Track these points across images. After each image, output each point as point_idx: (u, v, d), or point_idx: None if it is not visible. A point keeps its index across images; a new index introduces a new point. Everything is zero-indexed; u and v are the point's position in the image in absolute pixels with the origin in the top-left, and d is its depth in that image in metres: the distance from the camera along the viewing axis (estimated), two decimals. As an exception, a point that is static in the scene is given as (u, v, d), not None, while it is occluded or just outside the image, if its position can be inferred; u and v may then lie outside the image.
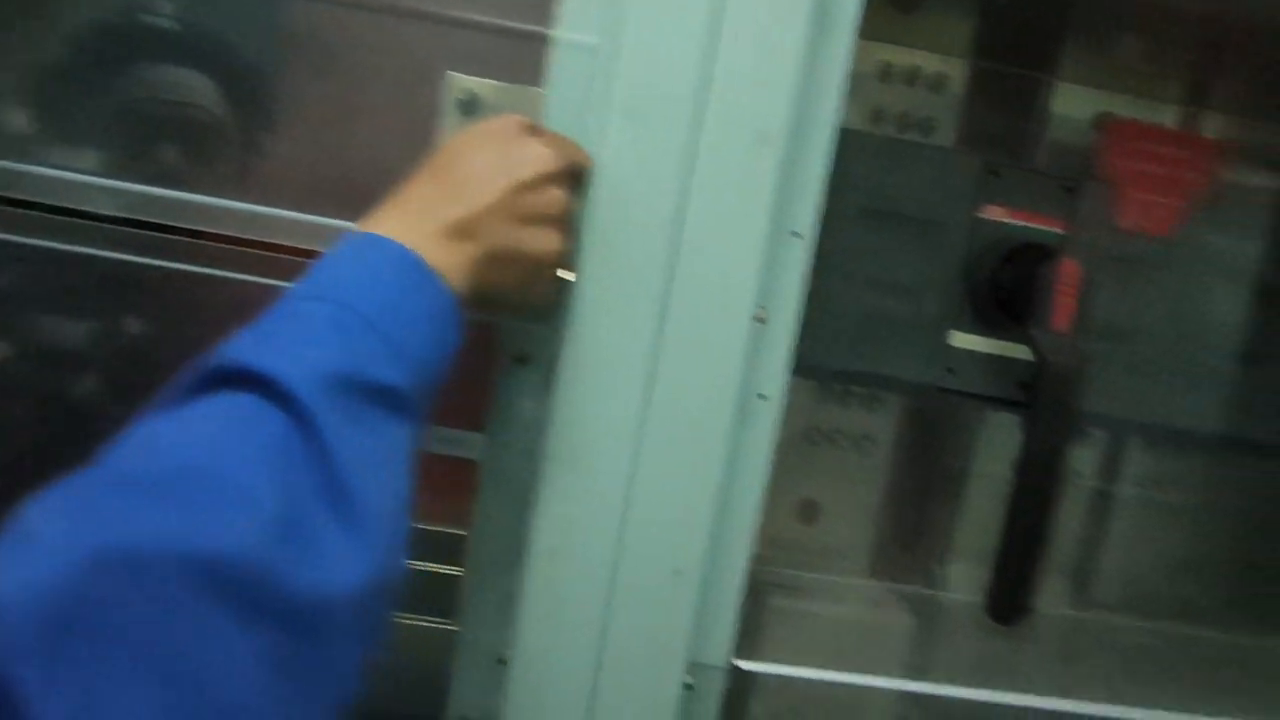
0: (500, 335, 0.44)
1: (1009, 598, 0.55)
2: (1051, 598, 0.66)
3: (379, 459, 0.30)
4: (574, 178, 0.38)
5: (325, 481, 0.28)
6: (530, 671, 0.42)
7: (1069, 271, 0.54)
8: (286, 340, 0.30)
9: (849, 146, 0.61)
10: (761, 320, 0.42)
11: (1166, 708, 0.56)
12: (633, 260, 0.40)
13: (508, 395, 0.44)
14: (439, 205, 0.35)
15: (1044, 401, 0.53)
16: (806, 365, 0.62)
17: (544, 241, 0.37)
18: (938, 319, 0.61)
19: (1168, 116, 0.65)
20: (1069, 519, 0.67)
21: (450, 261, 0.34)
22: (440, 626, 0.53)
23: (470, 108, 0.50)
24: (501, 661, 0.43)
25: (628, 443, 0.40)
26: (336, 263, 0.33)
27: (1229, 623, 0.70)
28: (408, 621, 0.56)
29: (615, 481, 0.41)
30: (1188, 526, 0.69)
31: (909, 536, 0.67)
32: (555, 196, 0.36)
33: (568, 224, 0.38)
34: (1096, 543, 0.68)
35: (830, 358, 0.61)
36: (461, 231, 0.35)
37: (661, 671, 0.42)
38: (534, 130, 0.38)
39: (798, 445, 0.65)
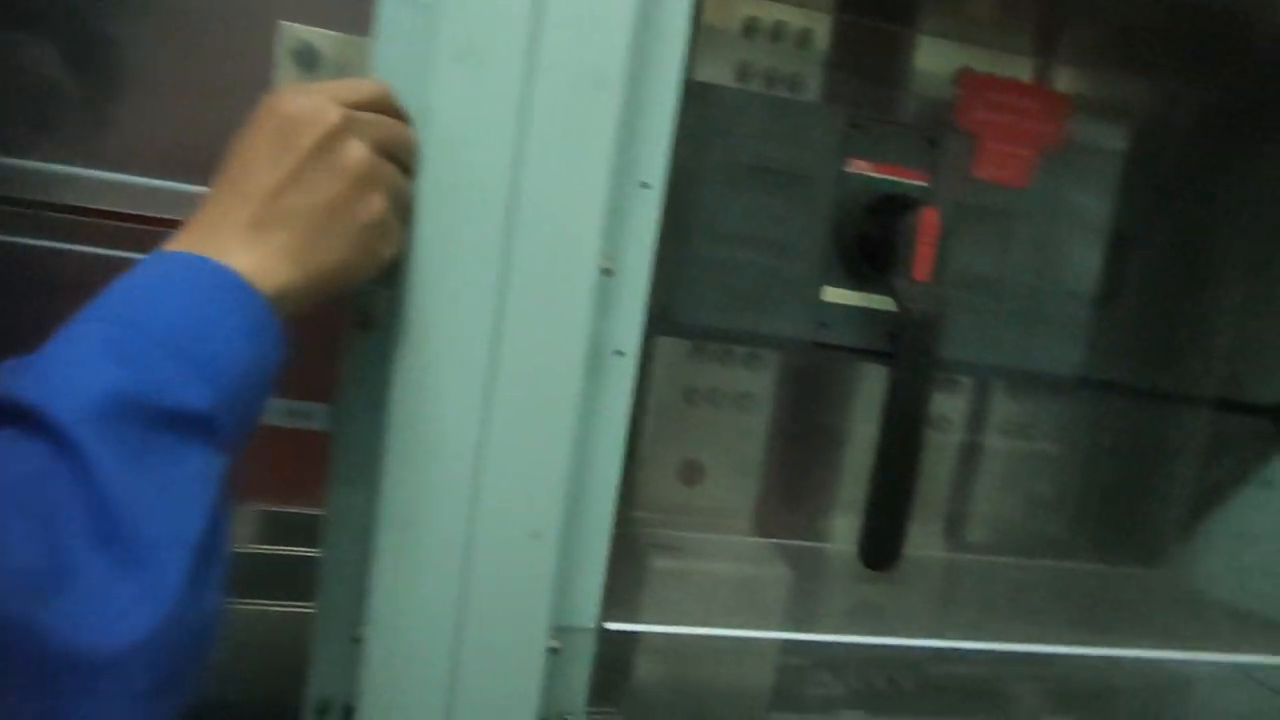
0: (343, 300, 0.41)
1: (881, 544, 0.56)
2: (926, 542, 0.68)
3: (173, 491, 0.27)
4: (377, 120, 0.35)
5: (94, 521, 0.25)
6: (386, 647, 0.40)
7: (929, 222, 0.56)
8: (57, 366, 0.27)
9: (716, 102, 0.61)
10: (609, 273, 0.41)
11: (1034, 640, 0.59)
12: (470, 213, 0.38)
13: (353, 362, 0.42)
14: (231, 207, 0.32)
15: (905, 349, 0.54)
16: (682, 324, 0.62)
17: (356, 200, 0.34)
18: (810, 274, 0.62)
19: (1023, 71, 0.68)
20: (940, 465, 0.69)
21: (258, 262, 0.31)
22: (305, 610, 0.51)
23: (305, 58, 0.47)
24: (356, 640, 0.41)
25: (475, 405, 0.39)
26: (126, 282, 0.30)
27: (1090, 555, 0.75)
28: (271, 608, 0.53)
29: (464, 446, 0.39)
30: (1049, 467, 0.73)
31: (792, 492, 0.68)
32: (352, 150, 0.33)
33: (380, 173, 0.35)
34: (967, 487, 0.71)
35: (705, 316, 0.60)
36: (259, 225, 0.32)
37: (524, 637, 0.41)
38: (308, 91, 0.34)
39: (678, 407, 0.64)
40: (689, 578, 0.56)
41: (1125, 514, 0.76)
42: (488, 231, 0.38)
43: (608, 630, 0.45)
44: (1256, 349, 0.71)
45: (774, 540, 0.64)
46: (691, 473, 0.65)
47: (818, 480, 0.68)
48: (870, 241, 0.59)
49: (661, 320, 0.62)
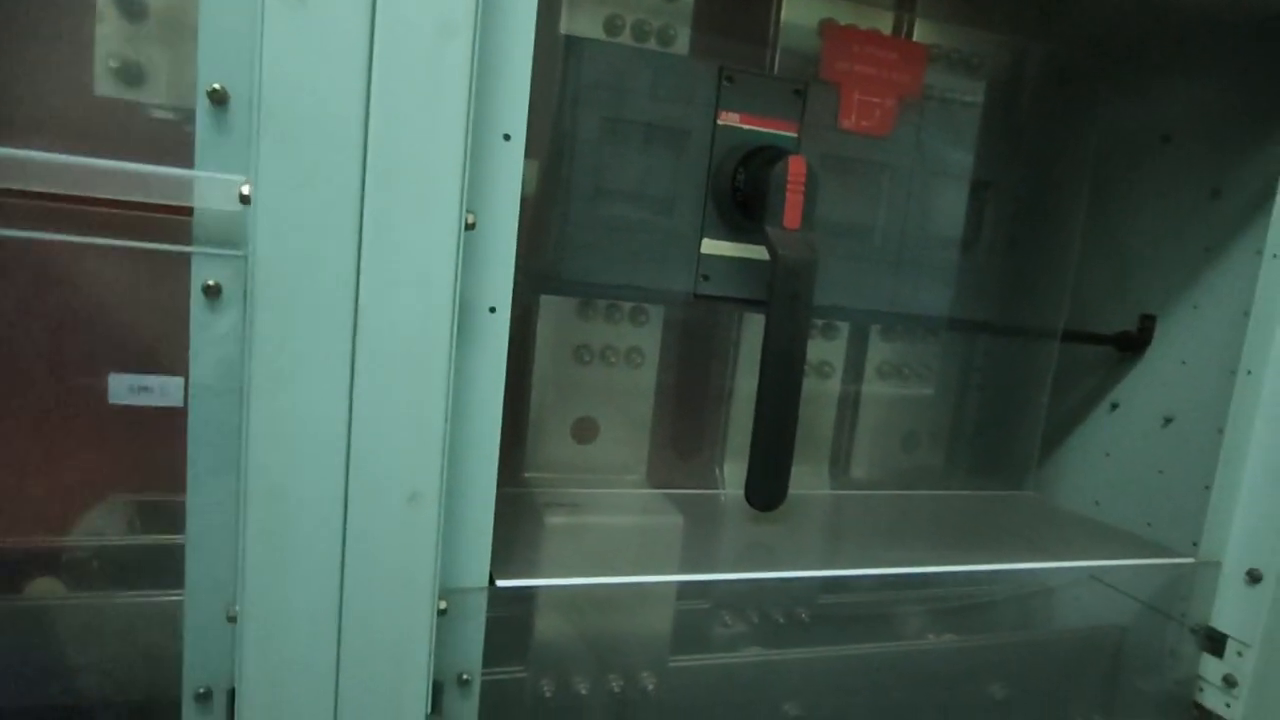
0: (187, 266, 0.39)
1: (766, 485, 0.58)
2: (812, 481, 0.71)
3: None
4: None
5: None
6: (262, 625, 0.39)
7: (796, 170, 0.57)
8: None
9: (589, 58, 0.60)
10: (473, 227, 0.40)
11: (915, 564, 0.63)
12: (316, 168, 0.36)
13: (203, 331, 0.39)
14: None
15: (778, 295, 0.56)
16: (566, 282, 0.61)
17: None
18: (688, 227, 0.62)
19: (884, 24, 0.70)
20: (822, 409, 0.72)
21: None
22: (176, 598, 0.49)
23: (132, 9, 0.44)
24: (231, 619, 0.40)
25: (339, 366, 0.38)
26: None
27: (963, 483, 0.80)
28: (141, 599, 0.51)
29: (332, 409, 0.38)
30: (922, 404, 0.77)
31: (684, 444, 0.69)
32: None
33: None
34: (847, 427, 0.74)
35: (589, 273, 0.60)
36: None
37: (409, 602, 0.40)
38: None
39: (569, 366, 0.64)
40: (584, 532, 0.56)
41: (992, 442, 0.82)
42: (337, 186, 0.37)
43: (500, 588, 0.45)
44: (1100, 283, 0.77)
45: (669, 491, 0.65)
46: (585, 430, 0.65)
47: (708, 431, 0.70)
48: (743, 193, 0.60)
49: (546, 279, 0.61)
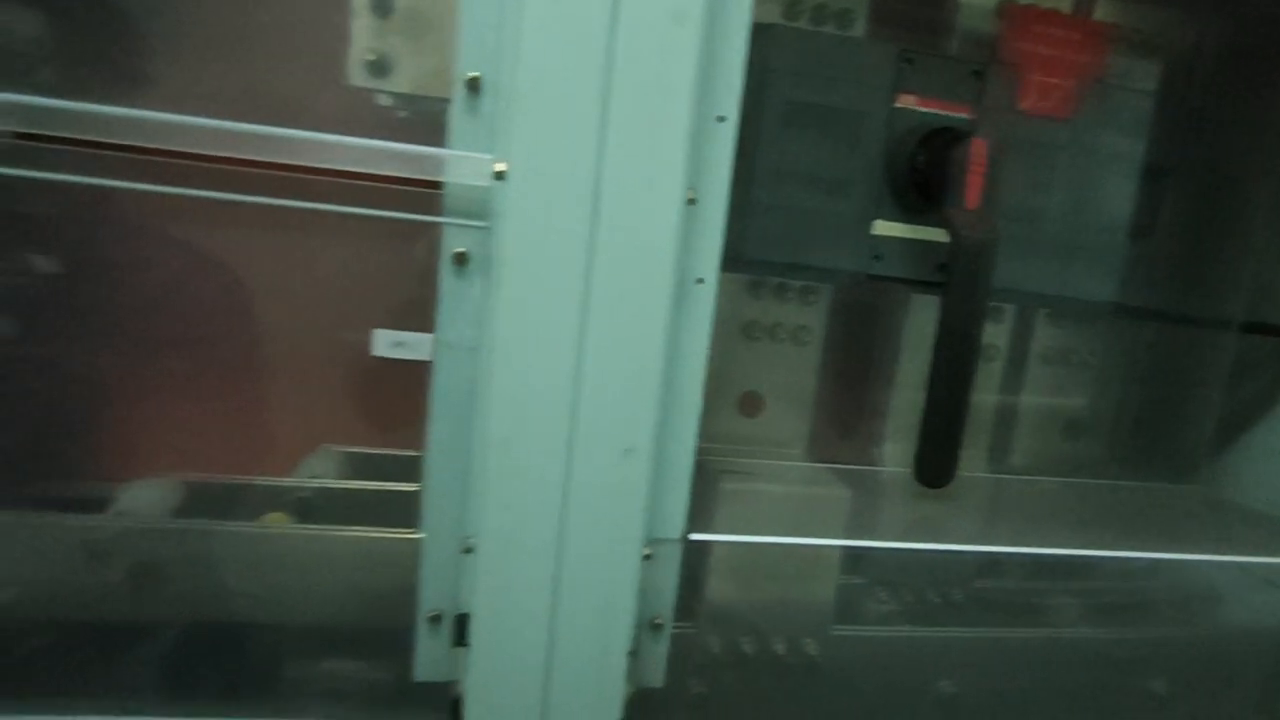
0: (439, 235, 0.44)
1: (936, 462, 0.59)
2: (971, 464, 0.71)
3: None
4: None
5: None
6: (495, 556, 0.43)
7: (978, 151, 0.57)
8: None
9: (768, 40, 0.62)
10: (693, 202, 0.43)
11: (1067, 545, 0.62)
12: (561, 146, 0.40)
13: (450, 294, 0.44)
14: None
15: (958, 275, 0.56)
16: (740, 260, 0.64)
17: None
18: (861, 208, 0.63)
19: (1064, 2, 0.68)
20: (985, 392, 0.72)
21: None
22: (398, 536, 0.55)
23: (383, 6, 0.49)
24: (468, 550, 0.44)
25: (571, 329, 0.42)
26: None
27: (1127, 474, 0.78)
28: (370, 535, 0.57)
29: (563, 368, 0.42)
30: (1088, 391, 0.75)
31: (849, 422, 0.71)
32: None
33: None
34: (1009, 411, 0.73)
35: (762, 251, 0.63)
36: None
37: (621, 546, 0.44)
38: None
39: (738, 341, 0.67)
40: (757, 497, 0.59)
41: (1160, 434, 0.79)
42: (578, 163, 0.40)
43: (692, 541, 0.48)
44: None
45: (830, 465, 0.67)
46: (751, 405, 0.67)
47: (869, 410, 0.71)
48: (920, 173, 0.61)
49: (725, 256, 0.64)
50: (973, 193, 0.57)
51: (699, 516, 0.55)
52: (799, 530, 0.55)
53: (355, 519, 0.59)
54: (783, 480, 0.63)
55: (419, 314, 0.48)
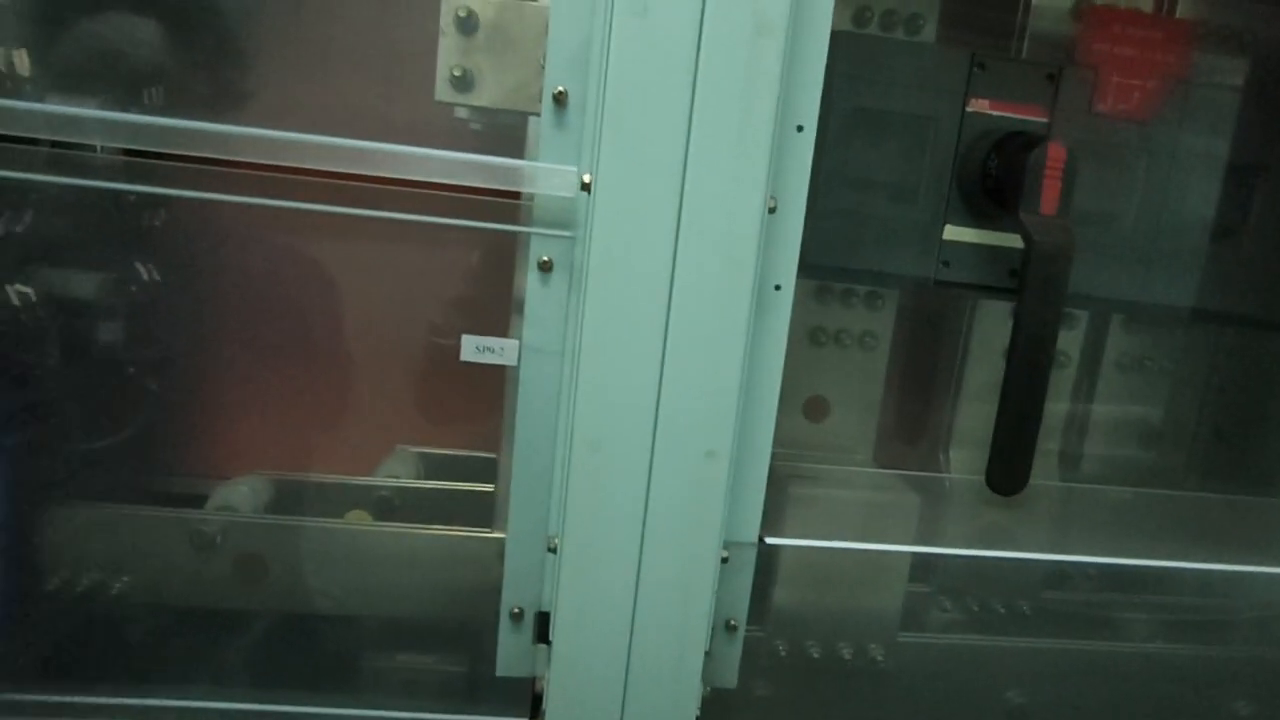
0: (523, 244, 0.46)
1: (1008, 469, 0.58)
2: (1042, 472, 0.70)
3: None
4: None
5: None
6: (579, 555, 0.45)
7: (1055, 155, 0.57)
8: None
9: (838, 47, 0.62)
10: (772, 210, 0.44)
11: (1142, 555, 0.61)
12: (647, 156, 0.41)
13: (536, 300, 0.46)
14: None
15: (1033, 280, 0.56)
16: (808, 265, 0.64)
17: None
18: (931, 214, 0.63)
19: (1144, 1, 0.67)
20: (1057, 399, 0.71)
21: None
22: (478, 535, 0.56)
23: (468, 25, 0.51)
24: (552, 549, 0.46)
25: (656, 335, 0.43)
26: None
27: (1204, 485, 0.76)
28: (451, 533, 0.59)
29: (647, 373, 0.43)
30: (1164, 399, 0.74)
31: (914, 429, 0.71)
32: None
33: None
34: (1082, 419, 0.72)
35: (830, 257, 0.63)
36: None
37: (700, 548, 0.45)
38: None
39: (804, 346, 0.67)
40: (827, 502, 0.59)
41: (1242, 444, 0.76)
42: (663, 173, 0.41)
43: (768, 544, 0.49)
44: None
45: (896, 472, 0.67)
46: (816, 410, 0.68)
47: (935, 416, 0.70)
48: (992, 178, 0.60)
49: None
50: (1049, 198, 0.57)
51: (770, 520, 0.55)
52: (868, 536, 0.56)
53: (430, 518, 0.61)
54: (850, 485, 0.63)
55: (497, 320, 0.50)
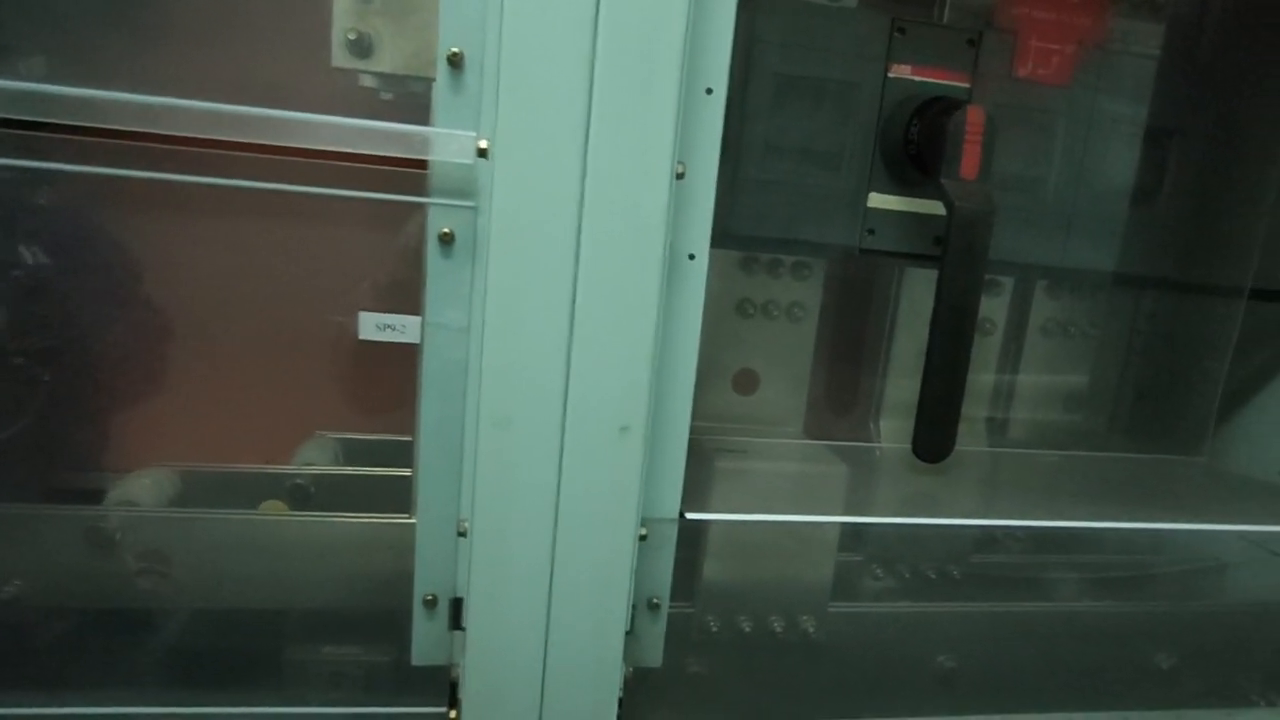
0: (424, 216, 0.43)
1: (934, 436, 0.59)
2: (970, 438, 0.71)
3: None
4: None
5: None
6: (490, 538, 0.43)
7: (974, 120, 0.56)
8: None
9: (756, 11, 0.61)
10: (681, 176, 0.42)
11: (1067, 517, 0.62)
12: (547, 120, 0.39)
13: (437, 275, 0.44)
14: None
15: (954, 246, 0.56)
16: (732, 236, 0.63)
17: None
18: (855, 181, 0.63)
19: (1061, -34, 0.67)
20: (983, 366, 0.71)
21: None
22: (394, 521, 0.54)
23: (363, -14, 0.48)
24: (461, 533, 0.44)
25: (562, 307, 0.41)
26: None
27: (1130, 446, 0.77)
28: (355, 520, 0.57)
29: (555, 347, 0.41)
30: (1088, 363, 0.75)
31: (844, 399, 0.70)
32: None
33: None
34: (1008, 385, 0.73)
35: (755, 227, 0.62)
36: None
37: (616, 526, 0.44)
38: None
39: (732, 318, 0.66)
40: (753, 476, 0.59)
41: (1164, 405, 0.78)
42: (565, 140, 0.40)
43: (687, 520, 0.48)
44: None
45: (827, 442, 0.67)
46: (746, 382, 0.67)
47: (865, 386, 0.70)
48: (914, 144, 0.60)
49: (716, 232, 0.63)
50: (969, 162, 0.56)
51: (694, 495, 0.54)
52: (796, 508, 0.55)
53: (351, 505, 0.59)
54: (778, 458, 0.62)
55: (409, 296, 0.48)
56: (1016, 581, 0.72)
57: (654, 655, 0.48)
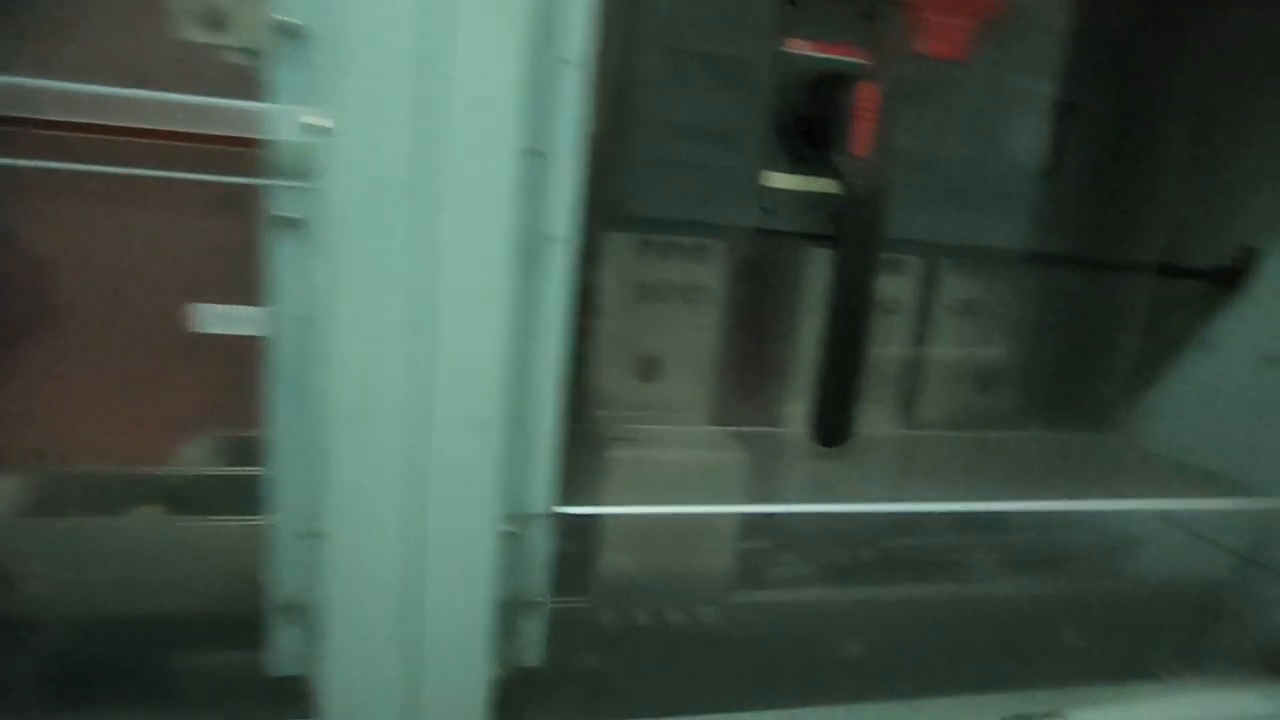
0: (265, 199, 0.40)
1: (832, 422, 0.57)
2: (880, 421, 0.70)
3: None
4: None
5: None
6: (345, 540, 0.41)
7: (867, 95, 0.55)
8: None
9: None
10: (539, 154, 0.40)
11: (979, 500, 0.61)
12: (383, 98, 0.37)
13: (280, 262, 0.41)
14: None
15: (848, 225, 0.54)
16: (626, 218, 0.61)
17: None
18: (750, 160, 0.61)
19: (961, -62, 0.66)
20: (891, 346, 0.71)
21: None
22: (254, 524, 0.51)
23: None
24: (315, 535, 0.42)
25: (408, 295, 0.39)
26: None
27: (1042, 425, 0.77)
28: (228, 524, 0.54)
29: (402, 337, 0.39)
30: (999, 342, 0.74)
31: (748, 381, 0.69)
32: None
33: None
34: (918, 366, 0.72)
35: (648, 209, 0.60)
36: None
37: (477, 524, 0.42)
38: None
39: (631, 304, 0.64)
40: (646, 465, 0.57)
41: (1075, 383, 0.78)
42: (402, 115, 0.37)
43: (565, 516, 0.46)
44: (1195, 215, 0.72)
45: (732, 428, 0.65)
46: (647, 368, 0.65)
47: (770, 368, 0.69)
48: (810, 122, 0.58)
49: (607, 215, 0.61)
50: (862, 139, 0.55)
51: (581, 487, 0.53)
52: (685, 498, 0.54)
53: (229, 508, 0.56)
54: (676, 445, 0.61)
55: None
56: (928, 565, 0.72)
57: (532, 654, 0.46)
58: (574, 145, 0.41)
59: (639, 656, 0.58)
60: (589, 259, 0.64)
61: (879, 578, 0.69)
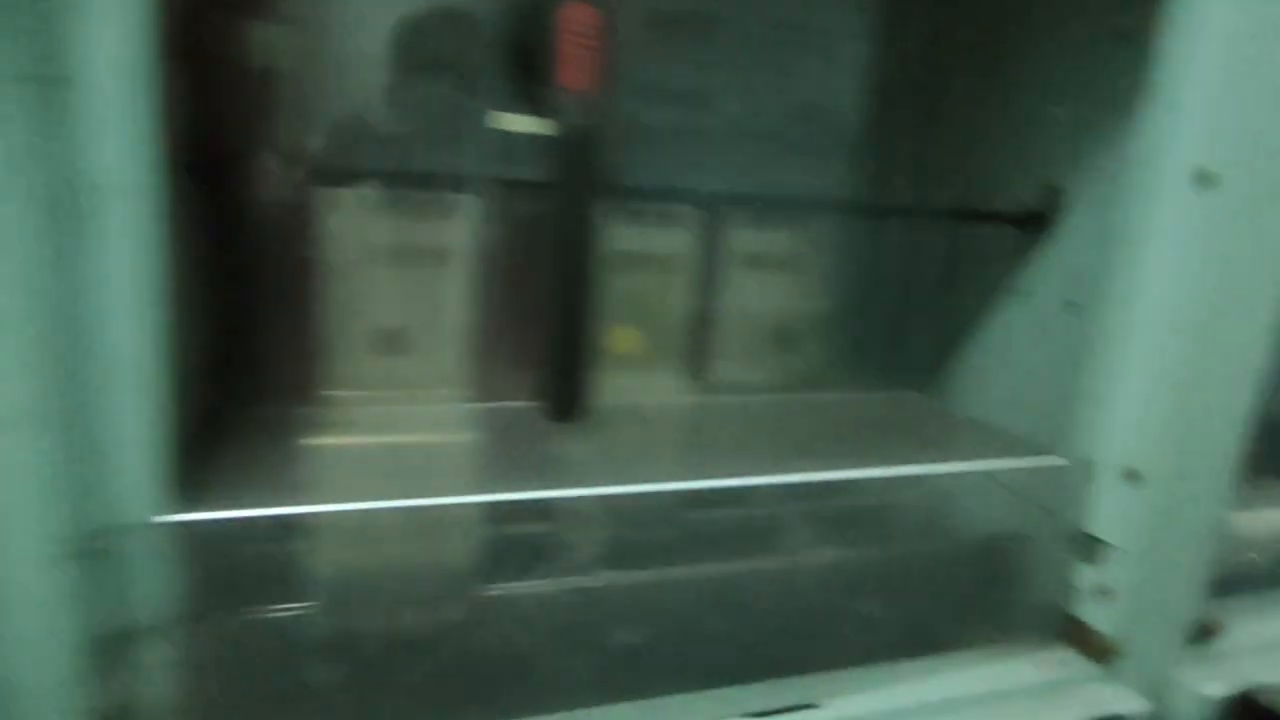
0: None
1: (562, 394, 0.51)
2: (671, 387, 0.64)
3: None
4: None
5: None
6: None
7: (579, 19, 0.47)
8: None
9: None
10: (56, 81, 0.32)
11: (789, 472, 0.56)
12: None
13: None
14: None
15: (557, 170, 0.47)
16: (344, 171, 0.53)
17: None
18: (482, 100, 0.53)
19: None
20: (676, 305, 0.64)
21: None
22: None
23: None
24: None
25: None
26: None
27: (849, 384, 0.72)
28: None
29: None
30: (798, 298, 0.69)
31: (503, 351, 0.62)
32: None
33: None
34: (710, 326, 0.66)
35: (371, 160, 0.52)
36: None
37: (24, 547, 0.34)
38: None
39: (364, 267, 0.57)
40: (346, 455, 0.50)
41: (881, 339, 0.73)
42: None
43: (158, 524, 0.38)
44: (997, 159, 0.67)
45: (485, 405, 0.59)
46: (386, 341, 0.58)
47: (530, 336, 0.62)
48: (530, 54, 0.51)
49: (324, 169, 0.53)
50: (574, 71, 0.47)
51: (251, 485, 0.45)
52: (402, 487, 0.47)
53: None
54: (399, 428, 0.54)
55: None
56: (742, 535, 0.67)
57: (150, 687, 0.39)
58: (122, 70, 0.33)
59: (371, 665, 0.52)
60: (310, 219, 0.56)
61: (683, 555, 0.64)
